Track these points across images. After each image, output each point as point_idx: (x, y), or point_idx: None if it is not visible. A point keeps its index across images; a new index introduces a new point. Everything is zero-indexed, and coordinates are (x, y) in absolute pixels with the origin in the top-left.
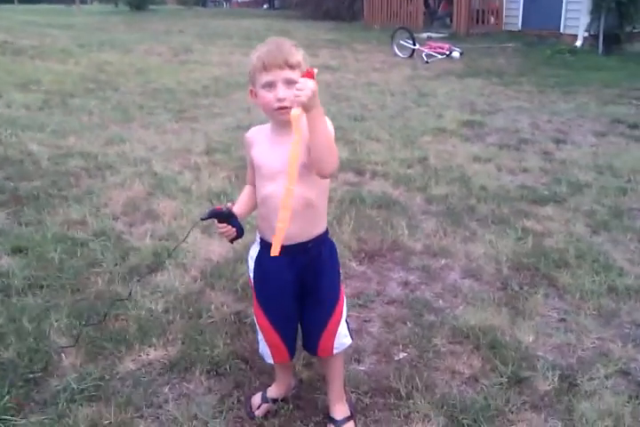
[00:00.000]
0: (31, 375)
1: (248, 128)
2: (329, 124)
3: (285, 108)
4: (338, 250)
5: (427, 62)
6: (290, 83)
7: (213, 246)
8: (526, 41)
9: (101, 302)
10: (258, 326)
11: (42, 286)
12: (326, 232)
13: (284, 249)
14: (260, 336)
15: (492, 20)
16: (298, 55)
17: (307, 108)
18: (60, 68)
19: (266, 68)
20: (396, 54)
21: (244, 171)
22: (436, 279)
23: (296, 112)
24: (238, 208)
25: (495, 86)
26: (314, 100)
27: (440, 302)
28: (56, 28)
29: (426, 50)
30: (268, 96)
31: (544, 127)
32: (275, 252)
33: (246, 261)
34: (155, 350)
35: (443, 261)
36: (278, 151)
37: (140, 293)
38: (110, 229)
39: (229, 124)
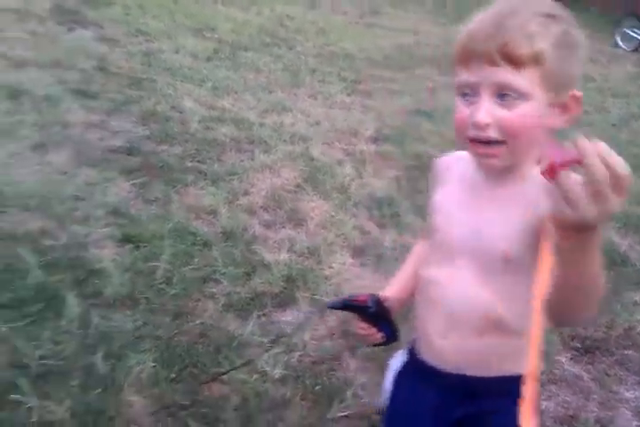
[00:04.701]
0: None
1: (429, 115)
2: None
3: (486, 143)
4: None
5: None
6: (504, 95)
7: (366, 281)
8: None
9: (203, 347)
10: None
11: (137, 301)
12: (516, 381)
13: (437, 375)
14: None
15: None
16: (538, 40)
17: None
18: (241, 16)
19: (464, 57)
20: (617, 45)
21: (416, 173)
22: None
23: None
24: (399, 288)
25: None
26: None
27: None
28: None
29: None
30: (461, 110)
31: None
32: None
33: (385, 371)
34: None
35: None
36: (475, 213)
37: (257, 338)
38: (242, 228)
39: (408, 105)
